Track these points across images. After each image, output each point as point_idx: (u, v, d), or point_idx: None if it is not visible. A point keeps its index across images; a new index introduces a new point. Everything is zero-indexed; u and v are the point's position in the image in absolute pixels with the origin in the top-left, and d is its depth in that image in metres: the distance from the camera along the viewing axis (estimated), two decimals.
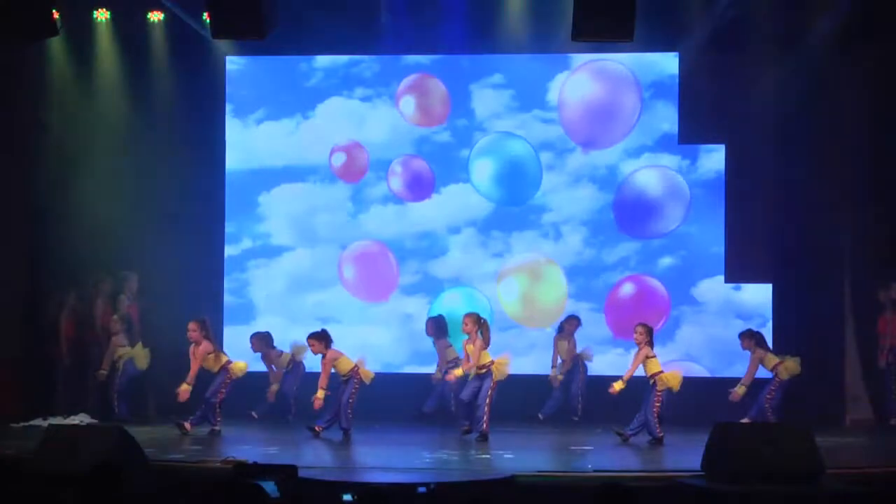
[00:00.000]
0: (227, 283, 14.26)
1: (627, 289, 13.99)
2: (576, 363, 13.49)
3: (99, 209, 13.58)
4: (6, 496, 6.62)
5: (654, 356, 11.82)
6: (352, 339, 12.93)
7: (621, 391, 11.74)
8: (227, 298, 14.23)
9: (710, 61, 13.58)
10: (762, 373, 12.60)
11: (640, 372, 11.83)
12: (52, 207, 13.49)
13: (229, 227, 14.31)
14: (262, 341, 13.37)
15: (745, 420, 12.17)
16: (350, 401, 11.97)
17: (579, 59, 14.00)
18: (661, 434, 11.56)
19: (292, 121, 14.29)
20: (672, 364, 12.79)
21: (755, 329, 12.90)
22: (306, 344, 12.43)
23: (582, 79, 14.10)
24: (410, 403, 13.29)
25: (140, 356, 13.21)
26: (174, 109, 13.95)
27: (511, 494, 8.84)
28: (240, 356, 12.65)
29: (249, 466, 8.43)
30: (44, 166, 13.56)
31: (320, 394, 12.01)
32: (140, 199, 13.82)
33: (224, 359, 12.33)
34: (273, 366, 13.38)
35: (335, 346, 12.16)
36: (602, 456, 10.88)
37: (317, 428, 11.96)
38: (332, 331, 12.25)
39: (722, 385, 12.80)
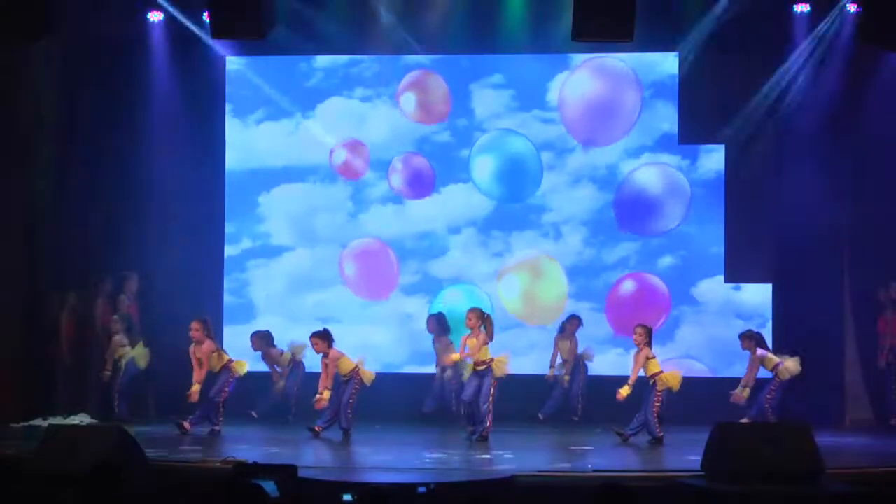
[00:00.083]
0: (227, 283, 14.26)
1: (628, 286, 13.99)
2: (576, 363, 13.49)
3: (99, 209, 13.59)
4: (6, 496, 6.61)
5: (653, 357, 11.82)
6: (352, 338, 12.91)
7: (628, 396, 11.71)
8: (227, 298, 14.23)
9: (710, 61, 13.59)
10: (762, 373, 12.58)
11: (640, 372, 11.83)
12: (52, 207, 13.48)
13: (229, 228, 14.31)
14: (263, 340, 13.38)
15: (745, 420, 12.15)
16: (350, 401, 11.97)
17: (579, 59, 14.00)
18: (661, 434, 11.56)
19: (292, 121, 14.29)
20: (671, 362, 12.81)
21: (755, 329, 12.90)
22: (305, 343, 12.42)
23: (583, 76, 14.10)
24: (410, 403, 13.27)
25: (140, 356, 13.22)
26: (174, 110, 13.95)
27: (511, 494, 8.84)
28: (240, 356, 12.63)
29: (249, 466, 8.44)
30: (44, 166, 13.55)
31: (326, 394, 12.00)
32: (140, 200, 13.83)
33: (225, 358, 12.33)
34: (276, 365, 13.39)
35: (336, 346, 12.16)
36: (602, 456, 10.88)
37: (317, 428, 11.96)
38: (332, 331, 12.25)
39: (722, 385, 12.80)
